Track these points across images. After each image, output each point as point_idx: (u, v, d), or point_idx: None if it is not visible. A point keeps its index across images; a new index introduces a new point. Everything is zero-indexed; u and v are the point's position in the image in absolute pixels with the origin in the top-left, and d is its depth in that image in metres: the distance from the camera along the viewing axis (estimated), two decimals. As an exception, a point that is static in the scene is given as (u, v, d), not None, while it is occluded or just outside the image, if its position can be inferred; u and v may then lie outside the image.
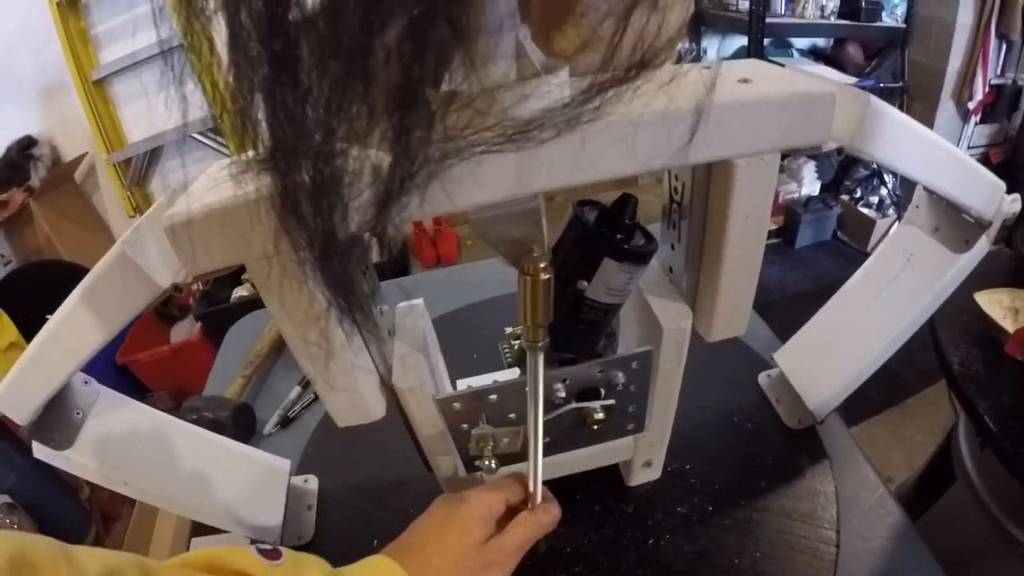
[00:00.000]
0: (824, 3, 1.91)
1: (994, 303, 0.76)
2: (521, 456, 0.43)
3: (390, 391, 0.40)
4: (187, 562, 0.35)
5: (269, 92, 0.20)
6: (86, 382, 0.45)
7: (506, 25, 0.22)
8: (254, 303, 1.81)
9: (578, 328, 0.37)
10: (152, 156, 2.21)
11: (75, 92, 1.96)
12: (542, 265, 0.28)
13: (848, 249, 2.34)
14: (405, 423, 0.44)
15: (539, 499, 0.40)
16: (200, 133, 2.10)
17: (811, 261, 2.31)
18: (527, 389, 0.35)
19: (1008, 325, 0.72)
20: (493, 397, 0.39)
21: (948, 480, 0.87)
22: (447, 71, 0.21)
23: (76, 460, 0.44)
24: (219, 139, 2.12)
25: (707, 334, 0.40)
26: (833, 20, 1.93)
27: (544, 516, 0.41)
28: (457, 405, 0.39)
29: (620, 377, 0.40)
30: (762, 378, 0.68)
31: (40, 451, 0.43)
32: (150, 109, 2.11)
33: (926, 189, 0.45)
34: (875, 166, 2.17)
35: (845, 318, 0.61)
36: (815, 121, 0.30)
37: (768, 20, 1.86)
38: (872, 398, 1.67)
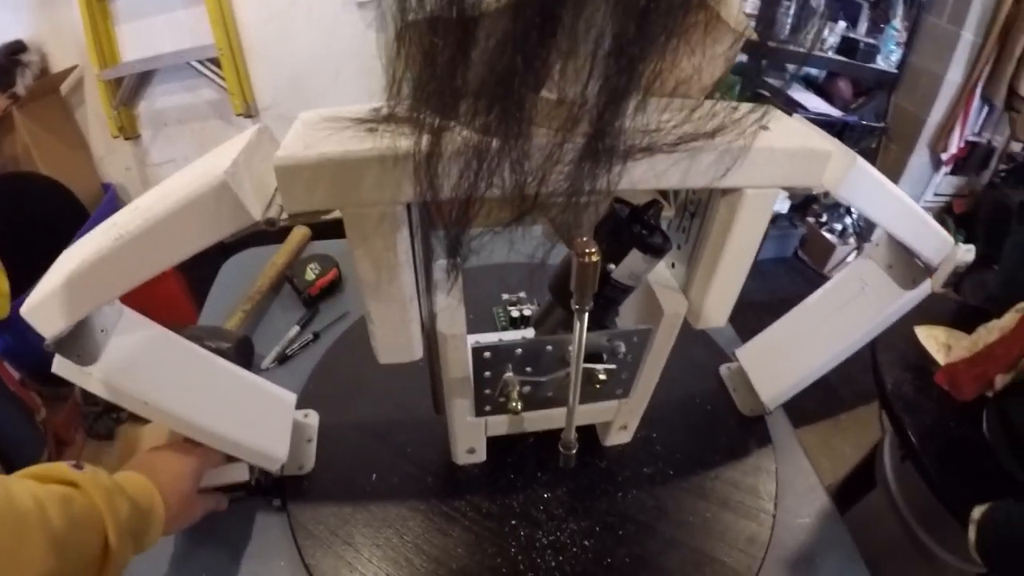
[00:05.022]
0: (825, 37, 2.00)
1: (931, 338, 0.84)
2: (538, 402, 0.50)
3: (426, 337, 0.45)
4: (22, 474, 0.39)
5: (438, 81, 0.27)
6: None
7: None
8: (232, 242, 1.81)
9: (599, 302, 0.44)
10: (143, 78, 2.16)
11: (74, 1, 1.88)
12: (593, 249, 0.34)
13: (806, 268, 2.45)
14: (430, 367, 0.50)
15: (572, 435, 0.45)
16: (199, 62, 2.07)
17: (770, 275, 2.41)
18: (569, 348, 0.41)
19: (940, 358, 0.79)
20: (519, 351, 0.46)
21: (868, 487, 0.96)
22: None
23: (98, 377, 0.42)
24: (217, 70, 2.08)
25: (695, 322, 0.49)
26: (830, 55, 2.03)
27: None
28: (487, 354, 0.46)
29: (622, 347, 0.47)
30: (723, 369, 0.77)
31: (61, 366, 0.41)
32: (150, 29, 2.05)
33: (887, 233, 0.53)
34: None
35: (801, 328, 0.69)
36: (812, 170, 0.38)
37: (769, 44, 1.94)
38: (809, 408, 1.80)
